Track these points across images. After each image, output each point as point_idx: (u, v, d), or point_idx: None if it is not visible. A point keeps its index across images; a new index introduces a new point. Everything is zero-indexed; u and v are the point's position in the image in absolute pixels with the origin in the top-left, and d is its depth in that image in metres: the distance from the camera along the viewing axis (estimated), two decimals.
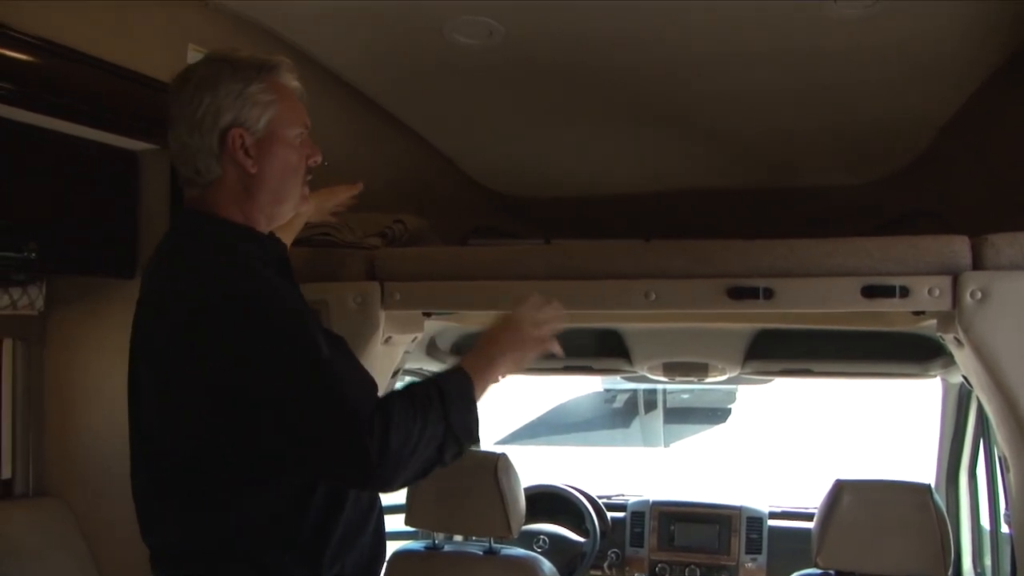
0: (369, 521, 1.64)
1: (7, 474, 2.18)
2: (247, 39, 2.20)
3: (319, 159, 1.64)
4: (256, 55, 1.58)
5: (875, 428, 9.91)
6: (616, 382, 10.41)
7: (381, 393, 1.53)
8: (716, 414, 11.38)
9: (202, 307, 1.43)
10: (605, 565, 3.78)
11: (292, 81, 1.62)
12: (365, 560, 1.62)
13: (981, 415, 3.03)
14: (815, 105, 2.57)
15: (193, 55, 2.12)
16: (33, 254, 1.83)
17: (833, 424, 10.40)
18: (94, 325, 2.22)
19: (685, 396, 11.06)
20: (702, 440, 10.83)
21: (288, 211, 1.64)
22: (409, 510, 2.85)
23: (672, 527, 3.76)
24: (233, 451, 1.45)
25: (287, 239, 1.88)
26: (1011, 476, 1.95)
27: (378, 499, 1.68)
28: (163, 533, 1.54)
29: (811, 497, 3.44)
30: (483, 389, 1.62)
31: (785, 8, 2.05)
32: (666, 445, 10.65)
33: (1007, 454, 1.94)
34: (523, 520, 2.81)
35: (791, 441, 10.02)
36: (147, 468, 1.56)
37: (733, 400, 11.49)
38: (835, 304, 1.96)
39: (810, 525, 2.66)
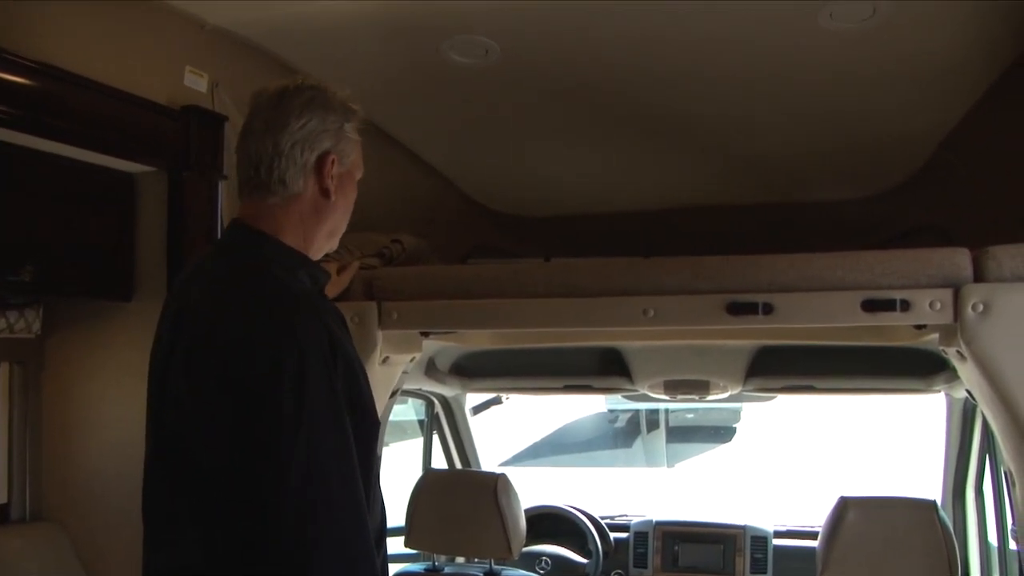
0: (379, 548, 1.62)
1: (3, 499, 2.15)
2: (244, 61, 2.21)
3: None
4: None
5: (881, 446, 9.87)
6: (620, 402, 10.39)
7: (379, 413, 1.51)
8: (720, 433, 11.34)
9: (260, 348, 1.42)
10: None
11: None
12: None
13: (987, 430, 3.00)
14: (815, 122, 2.57)
15: (191, 78, 2.13)
16: (28, 276, 1.82)
17: (839, 443, 10.36)
18: (92, 348, 2.20)
19: (690, 416, 11.04)
20: (706, 460, 10.79)
21: (332, 247, 1.69)
22: (409, 532, 2.82)
23: (676, 547, 3.73)
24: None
25: None
26: (1017, 491, 1.93)
27: (385, 525, 1.66)
28: (175, 553, 1.50)
29: (817, 516, 3.42)
30: None
31: (782, 26, 2.05)
32: (670, 465, 10.60)
33: (1013, 468, 1.92)
34: (524, 541, 2.78)
35: (797, 460, 9.98)
36: (166, 483, 1.53)
37: (738, 419, 11.46)
38: (835, 319, 1.94)
39: (815, 544, 2.64)
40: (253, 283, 1.51)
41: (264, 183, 1.57)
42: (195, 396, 1.48)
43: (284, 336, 1.42)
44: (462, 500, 2.76)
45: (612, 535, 3.82)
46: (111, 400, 2.15)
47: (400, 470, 3.79)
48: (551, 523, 3.81)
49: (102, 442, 2.16)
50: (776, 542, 3.68)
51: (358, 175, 1.66)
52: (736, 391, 3.24)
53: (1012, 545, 2.86)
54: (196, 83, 2.13)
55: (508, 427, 10.75)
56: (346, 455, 1.43)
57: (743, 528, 3.70)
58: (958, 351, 1.90)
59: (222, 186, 2.15)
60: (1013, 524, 2.73)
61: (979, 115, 2.39)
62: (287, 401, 1.38)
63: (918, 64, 2.20)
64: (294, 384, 1.39)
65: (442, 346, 2.99)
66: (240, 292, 1.50)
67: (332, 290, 2.09)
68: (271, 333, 1.43)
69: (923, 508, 2.51)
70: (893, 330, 2.36)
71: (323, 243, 1.65)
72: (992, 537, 3.10)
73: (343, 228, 1.67)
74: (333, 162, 1.58)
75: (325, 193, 1.59)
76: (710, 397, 3.31)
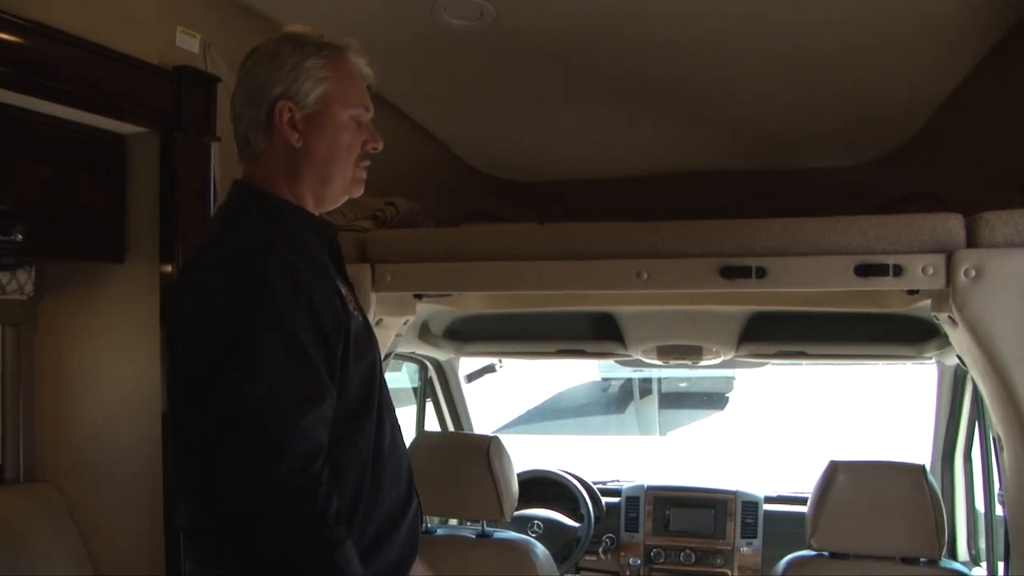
0: (408, 510, 1.63)
1: None
2: (236, 22, 2.19)
3: (379, 146, 1.61)
4: (328, 36, 1.58)
5: (874, 415, 9.93)
6: (614, 369, 10.41)
7: None
8: (712, 400, 11.38)
9: (215, 295, 1.43)
10: (600, 550, 3.78)
11: (363, 67, 1.62)
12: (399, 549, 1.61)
13: (976, 397, 3.02)
14: (812, 86, 2.56)
15: (182, 38, 2.11)
16: (20, 237, 1.81)
17: (832, 413, 10.41)
18: (84, 310, 2.20)
19: (683, 384, 11.06)
20: (699, 428, 10.84)
21: (337, 193, 1.60)
22: None
23: (667, 512, 3.76)
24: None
25: None
26: (1005, 455, 1.95)
27: (414, 489, 1.67)
28: (189, 514, 1.52)
29: (807, 483, 3.44)
30: None
31: None
32: (662, 433, 10.65)
33: (1001, 433, 1.93)
34: (516, 503, 2.80)
35: (790, 429, 10.03)
36: (175, 448, 1.56)
37: (731, 388, 11.49)
38: (828, 283, 1.95)
39: (805, 509, 2.66)
40: (231, 238, 1.51)
41: (240, 145, 1.58)
42: (178, 356, 1.50)
43: (233, 287, 1.41)
44: (455, 462, 2.77)
45: (604, 500, 3.85)
46: (104, 361, 2.15)
47: None
48: (543, 487, 3.84)
49: (95, 403, 2.16)
50: (767, 507, 3.71)
51: (345, 111, 1.56)
52: (729, 357, 3.25)
53: (999, 511, 2.89)
54: (188, 44, 2.11)
55: (502, 395, 10.78)
56: (304, 386, 1.40)
57: (734, 493, 3.73)
58: (950, 316, 1.91)
59: (215, 147, 2.13)
60: (1000, 489, 2.76)
61: (976, 82, 2.38)
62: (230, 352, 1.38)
63: (915, 29, 2.19)
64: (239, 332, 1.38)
65: (436, 310, 2.99)
66: (217, 248, 1.51)
67: None
68: (224, 285, 1.43)
69: (911, 472, 2.53)
70: (885, 296, 2.37)
71: (319, 191, 1.57)
72: (979, 503, 3.13)
73: (340, 171, 1.57)
74: (284, 109, 1.52)
75: (288, 142, 1.53)
76: (703, 363, 3.32)
